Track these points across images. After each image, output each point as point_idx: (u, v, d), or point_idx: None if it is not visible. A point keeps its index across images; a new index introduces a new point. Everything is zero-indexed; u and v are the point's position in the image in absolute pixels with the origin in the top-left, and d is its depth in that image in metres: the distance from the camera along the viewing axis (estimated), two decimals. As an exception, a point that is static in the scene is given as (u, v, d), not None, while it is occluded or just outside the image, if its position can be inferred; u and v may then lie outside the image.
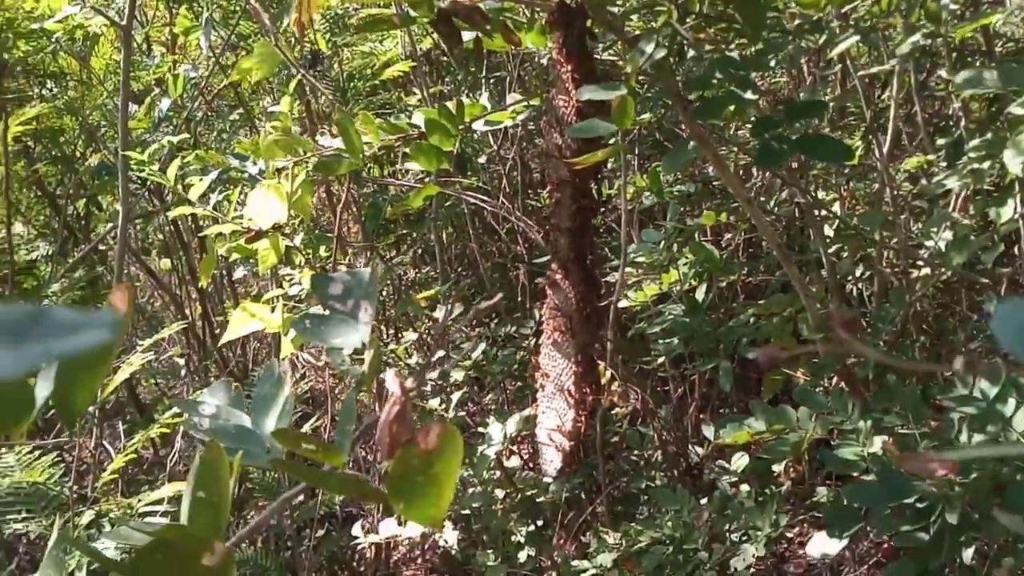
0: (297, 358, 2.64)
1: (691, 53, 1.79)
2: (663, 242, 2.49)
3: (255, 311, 2.27)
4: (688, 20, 1.75)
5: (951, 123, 2.86)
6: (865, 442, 1.80)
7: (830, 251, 2.36)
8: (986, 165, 1.74)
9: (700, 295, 2.51)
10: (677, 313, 2.48)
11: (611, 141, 1.78)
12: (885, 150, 2.28)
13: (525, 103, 2.21)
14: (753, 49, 1.65)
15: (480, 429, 2.40)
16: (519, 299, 3.22)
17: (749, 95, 1.52)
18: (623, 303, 2.50)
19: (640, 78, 1.80)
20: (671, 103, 1.74)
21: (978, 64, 2.04)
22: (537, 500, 2.32)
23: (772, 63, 1.66)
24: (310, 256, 2.27)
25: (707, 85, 1.62)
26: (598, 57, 2.19)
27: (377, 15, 1.92)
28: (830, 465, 1.93)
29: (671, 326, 2.49)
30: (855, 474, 1.82)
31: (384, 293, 3.14)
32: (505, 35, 1.92)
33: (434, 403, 2.43)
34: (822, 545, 1.81)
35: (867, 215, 2.39)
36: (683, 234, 2.51)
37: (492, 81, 2.87)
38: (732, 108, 1.61)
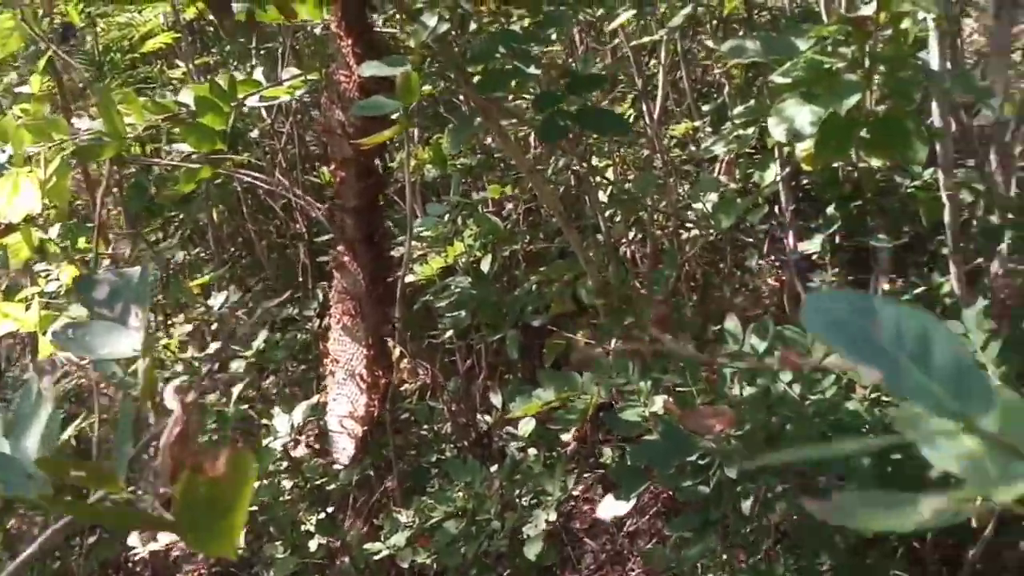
0: (57, 355, 2.43)
1: (473, 26, 1.77)
2: (447, 215, 2.48)
3: (8, 310, 2.10)
4: (468, -8, 1.73)
5: (713, 89, 3.02)
6: (647, 402, 1.85)
7: (605, 215, 2.43)
8: (750, 131, 1.84)
9: (485, 266, 2.51)
10: (464, 285, 2.48)
11: (396, 117, 1.73)
12: (656, 116, 2.37)
13: (302, 78, 2.11)
14: (532, 22, 1.65)
15: (264, 421, 2.30)
16: (300, 279, 3.10)
17: (532, 70, 1.52)
18: (409, 278, 2.47)
19: (422, 51, 1.76)
20: (454, 76, 1.72)
21: (740, 33, 2.15)
22: (327, 488, 2.26)
23: (552, 36, 1.67)
24: (68, 248, 2.08)
25: (490, 59, 1.60)
26: (377, 29, 2.12)
27: (138, -16, 1.77)
28: (615, 428, 1.98)
29: (458, 298, 2.48)
30: (638, 435, 1.87)
31: (152, 279, 2.94)
32: (279, 6, 1.82)
33: (213, 398, 2.30)
34: (612, 507, 1.86)
35: (639, 180, 2.48)
36: (467, 207, 2.50)
37: (263, 52, 2.72)
38: (515, 82, 1.60)
